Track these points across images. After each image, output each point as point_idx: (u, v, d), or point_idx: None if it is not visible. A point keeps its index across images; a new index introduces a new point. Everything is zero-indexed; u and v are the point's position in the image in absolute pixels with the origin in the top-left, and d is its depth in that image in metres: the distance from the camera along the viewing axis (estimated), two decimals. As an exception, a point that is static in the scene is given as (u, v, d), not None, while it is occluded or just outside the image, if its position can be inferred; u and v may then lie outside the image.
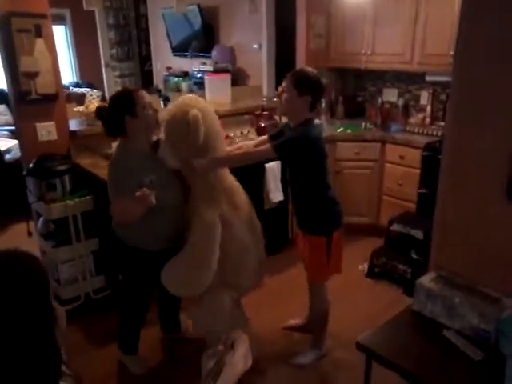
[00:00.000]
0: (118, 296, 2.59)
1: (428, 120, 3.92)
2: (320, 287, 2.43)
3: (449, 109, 1.79)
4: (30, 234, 3.26)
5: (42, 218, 3.01)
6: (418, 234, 3.23)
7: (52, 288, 3.01)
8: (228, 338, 0.83)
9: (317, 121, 2.31)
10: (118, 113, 2.06)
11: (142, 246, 2.19)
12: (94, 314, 2.93)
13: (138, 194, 1.93)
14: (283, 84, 2.21)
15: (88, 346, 2.72)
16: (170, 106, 2.25)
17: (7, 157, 4.78)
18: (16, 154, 4.54)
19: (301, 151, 2.15)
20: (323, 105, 4.29)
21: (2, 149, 4.85)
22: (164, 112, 2.22)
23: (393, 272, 3.29)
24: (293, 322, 2.79)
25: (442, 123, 3.83)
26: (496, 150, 1.56)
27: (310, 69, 2.25)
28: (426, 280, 1.63)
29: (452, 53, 3.31)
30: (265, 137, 2.51)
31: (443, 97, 3.89)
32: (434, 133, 3.70)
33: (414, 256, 3.26)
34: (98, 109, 2.23)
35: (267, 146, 2.23)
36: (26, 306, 0.78)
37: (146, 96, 2.12)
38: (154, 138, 2.23)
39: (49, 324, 0.81)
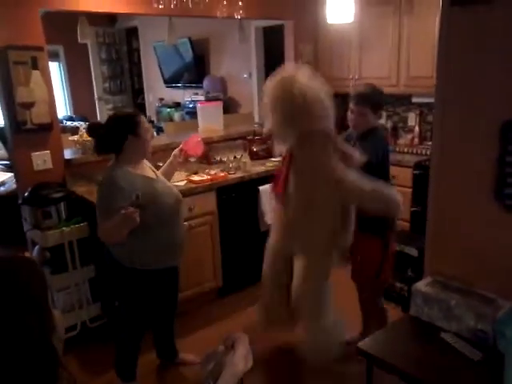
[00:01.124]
0: (114, 323, 2.56)
1: (417, 140, 4.01)
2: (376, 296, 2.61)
3: (434, 124, 1.85)
4: (25, 263, 3.24)
5: (37, 247, 3.00)
6: (413, 252, 3.25)
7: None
8: (228, 339, 0.84)
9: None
10: (122, 131, 2.14)
11: (139, 265, 2.19)
12: (91, 342, 2.89)
13: (123, 212, 1.94)
14: (355, 108, 2.52)
15: (85, 375, 2.67)
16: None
17: (1, 189, 4.79)
18: (10, 186, 4.56)
19: (382, 154, 2.42)
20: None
21: (-3, 181, 4.87)
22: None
23: (390, 290, 3.29)
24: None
25: (431, 143, 3.93)
26: (482, 155, 1.61)
27: (369, 84, 2.60)
28: (422, 285, 1.65)
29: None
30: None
31: (430, 118, 4.00)
32: (423, 152, 3.79)
33: (411, 274, 3.27)
34: (91, 125, 2.30)
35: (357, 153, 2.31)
36: (22, 310, 0.78)
37: (145, 120, 2.24)
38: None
39: (46, 329, 0.82)
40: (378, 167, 2.38)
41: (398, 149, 3.99)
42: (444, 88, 1.77)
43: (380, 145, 2.50)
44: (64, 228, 2.75)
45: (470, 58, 1.68)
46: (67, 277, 2.80)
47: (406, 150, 3.92)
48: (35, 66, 2.81)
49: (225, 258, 3.37)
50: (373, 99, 2.49)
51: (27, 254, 3.22)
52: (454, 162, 1.73)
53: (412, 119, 4.12)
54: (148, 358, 2.68)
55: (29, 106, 2.84)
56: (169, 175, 2.54)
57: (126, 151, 2.17)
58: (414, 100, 4.00)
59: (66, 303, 2.85)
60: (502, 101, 1.56)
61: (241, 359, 0.81)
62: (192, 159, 3.30)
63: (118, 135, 2.16)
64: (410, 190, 3.61)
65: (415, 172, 3.55)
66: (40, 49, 2.84)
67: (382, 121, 4.37)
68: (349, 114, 2.58)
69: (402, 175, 3.67)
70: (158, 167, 2.57)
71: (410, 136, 4.09)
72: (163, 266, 2.25)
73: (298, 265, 2.30)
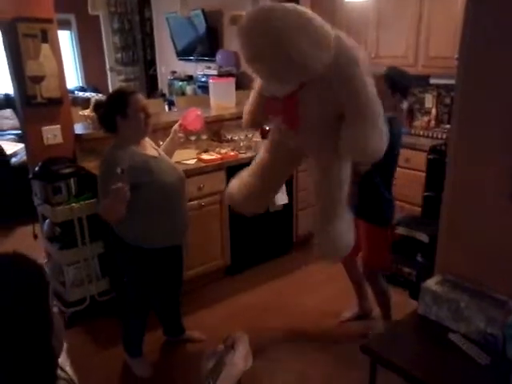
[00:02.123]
0: (121, 299, 2.60)
1: (433, 123, 3.92)
2: (378, 275, 2.62)
3: (454, 111, 1.78)
4: (35, 236, 3.28)
5: (47, 221, 3.02)
6: (423, 237, 3.21)
7: (57, 291, 3.03)
8: (228, 338, 0.83)
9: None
10: (110, 112, 2.15)
11: (141, 243, 2.20)
12: (100, 316, 2.94)
13: (112, 187, 1.92)
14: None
15: (93, 347, 2.73)
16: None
17: (13, 160, 4.81)
18: (22, 157, 4.57)
19: (393, 143, 2.18)
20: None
21: (9, 152, 4.89)
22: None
23: (398, 275, 3.28)
24: (347, 314, 2.90)
25: (448, 126, 3.83)
26: (503, 150, 1.55)
27: (394, 67, 2.46)
28: (432, 283, 1.62)
29: (456, 56, 3.33)
30: None
31: (448, 100, 3.89)
32: (439, 136, 3.70)
33: (420, 259, 3.24)
34: (96, 104, 2.29)
35: None
36: (21, 310, 0.77)
37: (140, 100, 2.18)
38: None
39: (45, 329, 0.80)
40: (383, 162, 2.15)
41: (413, 131, 3.91)
42: (467, 81, 1.69)
43: (392, 136, 2.25)
44: (74, 204, 2.75)
45: (495, 49, 1.59)
46: (76, 252, 2.83)
47: (421, 132, 3.83)
48: (45, 39, 2.77)
49: (233, 237, 3.37)
50: (393, 79, 2.35)
51: (38, 227, 3.26)
52: (472, 160, 1.67)
53: (429, 101, 4.01)
54: (155, 334, 2.72)
55: (39, 80, 2.81)
56: (170, 152, 2.51)
57: (120, 131, 2.17)
58: (432, 81, 3.88)
59: (75, 277, 2.89)
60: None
61: (241, 359, 0.80)
62: (192, 137, 3.27)
63: (106, 116, 2.17)
64: (424, 174, 3.55)
65: (430, 157, 3.47)
66: (50, 21, 2.78)
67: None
68: None
69: (416, 159, 3.60)
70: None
71: (426, 118, 3.99)
72: (166, 245, 2.26)
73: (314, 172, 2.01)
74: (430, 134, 3.76)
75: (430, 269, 3.06)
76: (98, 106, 2.30)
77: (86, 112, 3.31)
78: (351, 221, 2.03)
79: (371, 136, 1.67)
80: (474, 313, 1.47)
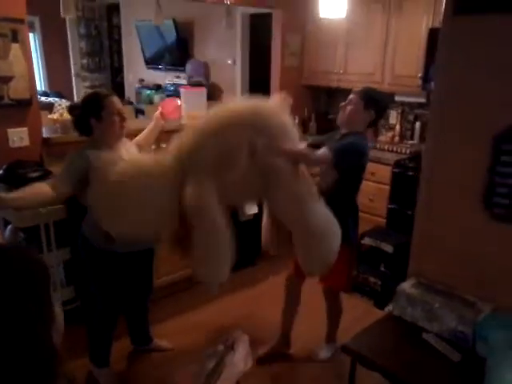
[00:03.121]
0: (87, 308, 2.53)
1: (397, 138, 4.08)
2: (338, 295, 2.57)
3: (429, 124, 1.88)
4: (-4, 243, 3.14)
5: (10, 226, 2.90)
6: (388, 248, 3.33)
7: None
8: (228, 339, 0.83)
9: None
10: (85, 114, 2.14)
11: (106, 246, 2.17)
12: (65, 325, 2.83)
13: None
14: (350, 97, 2.33)
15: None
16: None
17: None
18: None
19: (355, 159, 2.20)
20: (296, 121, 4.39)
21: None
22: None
23: (364, 285, 3.37)
24: (263, 350, 2.62)
25: (411, 141, 4.00)
26: (474, 161, 1.65)
27: (378, 90, 2.44)
28: (407, 286, 1.69)
29: (420, 75, 3.51)
30: None
31: (411, 117, 4.07)
32: (403, 150, 3.86)
33: (383, 269, 3.35)
34: (71, 106, 2.27)
35: (324, 149, 2.12)
36: (22, 301, 0.76)
37: (116, 103, 2.18)
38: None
39: (47, 322, 0.80)
40: (348, 175, 2.21)
41: (378, 146, 4.05)
42: (440, 96, 1.80)
43: (357, 149, 2.19)
44: (41, 209, 2.67)
45: (467, 69, 1.70)
46: (41, 259, 2.73)
47: (386, 147, 3.98)
48: (15, 39, 2.70)
49: (203, 245, 3.36)
50: (370, 95, 2.29)
51: (-1, 234, 3.13)
52: (445, 169, 1.76)
53: (393, 117, 4.18)
54: (122, 343, 2.66)
55: (7, 80, 2.73)
56: (151, 138, 2.63)
57: (95, 134, 2.16)
58: (397, 98, 4.05)
59: (38, 285, 2.79)
60: (495, 113, 1.59)
61: (241, 360, 0.81)
62: (153, 146, 3.28)
63: (81, 118, 2.17)
64: (388, 187, 3.68)
65: (394, 170, 3.61)
66: (21, 21, 2.72)
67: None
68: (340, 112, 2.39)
69: (381, 172, 3.73)
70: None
71: (390, 134, 4.15)
72: (131, 249, 2.23)
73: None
74: (395, 149, 3.92)
75: (392, 278, 3.19)
76: (73, 108, 2.27)
77: (55, 116, 3.24)
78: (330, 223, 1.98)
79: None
80: (446, 313, 1.55)
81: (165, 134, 3.03)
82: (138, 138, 2.58)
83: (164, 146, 3.58)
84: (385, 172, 3.69)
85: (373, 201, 3.83)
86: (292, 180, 1.88)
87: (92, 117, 2.12)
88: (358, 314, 3.01)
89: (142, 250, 2.30)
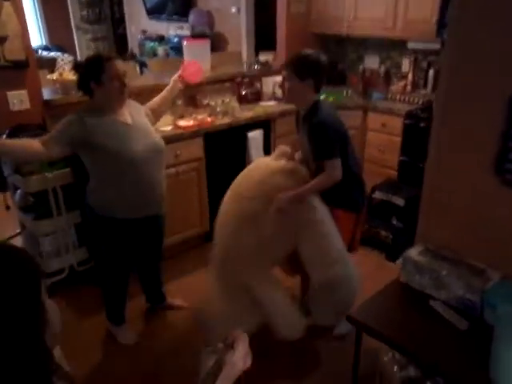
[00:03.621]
0: (99, 268, 2.58)
1: (409, 88, 3.92)
2: None
3: (437, 91, 1.77)
4: (7, 207, 3.17)
5: (19, 191, 2.92)
6: (399, 201, 3.29)
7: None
8: (228, 337, 0.83)
9: (321, 97, 2.31)
10: (86, 76, 2.09)
11: (110, 213, 2.18)
12: (80, 285, 2.92)
13: None
14: (283, 73, 2.20)
15: (75, 317, 2.73)
16: None
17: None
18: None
19: (336, 139, 2.11)
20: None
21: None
22: None
23: (375, 238, 3.36)
24: None
25: (424, 91, 3.85)
26: (487, 122, 1.57)
27: (307, 51, 2.20)
28: (414, 253, 1.66)
29: (435, 19, 3.30)
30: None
31: (425, 64, 3.88)
32: (415, 100, 3.71)
33: (395, 223, 3.34)
34: (76, 64, 2.22)
35: (324, 173, 2.13)
36: (12, 303, 0.73)
37: (117, 67, 2.10)
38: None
39: (39, 325, 0.77)
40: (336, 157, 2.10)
41: (389, 96, 3.91)
42: (452, 53, 1.67)
43: (327, 133, 2.08)
44: (46, 173, 2.66)
45: (483, 26, 1.57)
46: (52, 222, 2.76)
47: (397, 97, 3.83)
48: (6, -3, 2.58)
49: (212, 203, 3.35)
50: (302, 64, 2.12)
51: (8, 198, 3.15)
52: (455, 132, 1.67)
53: (406, 65, 4.00)
54: (138, 302, 2.74)
55: (1, 41, 2.64)
56: (167, 102, 2.54)
57: (95, 97, 2.12)
58: (410, 45, 3.85)
59: (52, 248, 2.83)
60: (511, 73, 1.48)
61: (240, 358, 0.80)
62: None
63: (82, 79, 2.12)
64: (399, 139, 3.58)
65: (406, 122, 3.49)
66: (11, -23, 2.59)
67: (374, 65, 4.23)
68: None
69: (392, 123, 3.62)
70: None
71: (402, 83, 3.98)
72: (137, 216, 2.22)
73: None
74: (407, 99, 3.77)
75: (404, 231, 3.17)
76: (78, 66, 2.24)
77: (54, 76, 3.16)
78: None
79: None
80: (454, 280, 1.53)
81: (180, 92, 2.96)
82: (152, 102, 2.50)
83: (179, 102, 3.52)
84: (396, 123, 3.58)
85: (384, 152, 3.74)
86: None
87: (92, 80, 2.07)
88: (370, 268, 3.02)
89: (149, 216, 2.28)
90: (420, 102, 3.66)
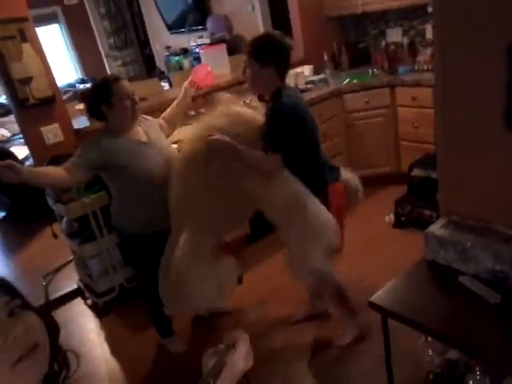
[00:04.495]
0: (142, 285, 2.64)
1: (437, 54, 3.71)
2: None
3: (435, 50, 1.64)
4: (55, 235, 3.35)
5: (65, 218, 3.08)
6: (440, 176, 3.12)
7: (87, 283, 3.12)
8: (229, 338, 0.82)
9: (288, 85, 2.20)
10: (95, 101, 2.14)
11: (134, 231, 2.23)
12: (132, 301, 3.00)
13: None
14: (244, 59, 2.07)
15: (128, 332, 2.82)
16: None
17: (27, 164, 4.87)
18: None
19: (294, 132, 1.96)
20: (325, 58, 4.13)
21: (21, 157, 4.95)
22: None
23: (419, 218, 3.21)
24: (299, 315, 2.58)
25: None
26: (489, 76, 1.44)
27: (269, 33, 2.10)
28: (436, 227, 1.56)
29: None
30: None
31: (450, 27, 3.67)
32: (445, 67, 3.51)
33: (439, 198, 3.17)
34: (82, 93, 2.28)
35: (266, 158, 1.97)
36: None
37: (125, 86, 2.14)
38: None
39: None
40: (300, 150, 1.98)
41: (416, 67, 3.73)
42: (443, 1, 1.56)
43: (284, 114, 1.94)
44: (84, 199, 2.78)
45: None
46: (96, 245, 2.88)
47: (425, 67, 3.65)
48: (24, 39, 2.74)
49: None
50: (262, 49, 1.98)
51: (56, 226, 3.33)
52: (459, 92, 1.56)
53: (430, 31, 3.79)
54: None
55: (27, 81, 2.80)
56: (180, 111, 2.53)
57: (109, 120, 2.17)
58: (431, 9, 3.65)
59: (99, 269, 2.96)
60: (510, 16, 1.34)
61: (241, 359, 0.79)
62: (192, 112, 3.22)
63: (92, 106, 2.17)
64: (432, 110, 3.38)
65: (436, 91, 3.31)
66: (25, 19, 2.75)
67: (397, 38, 4.05)
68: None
69: (423, 95, 3.45)
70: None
71: (429, 51, 3.78)
72: (162, 229, 2.20)
73: None
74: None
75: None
76: (84, 95, 2.30)
77: (82, 106, 3.30)
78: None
79: None
80: (481, 251, 1.41)
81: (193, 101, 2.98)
82: (165, 113, 2.52)
83: (192, 113, 3.58)
84: (426, 94, 3.39)
85: (418, 128, 3.57)
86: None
87: (102, 103, 2.12)
88: (417, 250, 2.88)
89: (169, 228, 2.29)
90: (450, 68, 3.46)
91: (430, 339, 1.55)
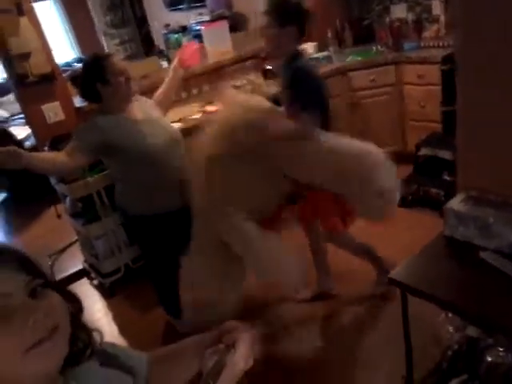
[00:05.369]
0: (147, 265, 2.63)
1: (443, 31, 3.65)
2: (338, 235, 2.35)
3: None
4: (59, 216, 3.33)
5: (68, 198, 3.05)
6: (447, 155, 3.09)
7: (92, 264, 3.10)
8: (229, 338, 0.81)
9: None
10: (90, 80, 2.05)
11: (139, 212, 2.19)
12: (138, 281, 3.00)
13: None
14: (263, 20, 2.08)
15: (137, 312, 2.82)
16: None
17: (27, 144, 4.81)
18: (34, 140, 4.57)
19: (316, 89, 2.01)
20: (329, 35, 4.05)
21: (20, 137, 4.89)
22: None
23: (426, 197, 3.20)
24: (305, 293, 2.61)
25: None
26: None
27: None
28: (455, 203, 1.53)
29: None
30: None
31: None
32: (452, 43, 3.45)
33: (447, 178, 3.14)
34: (72, 76, 2.21)
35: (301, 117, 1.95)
36: None
37: (118, 62, 2.08)
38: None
39: None
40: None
41: (422, 44, 3.66)
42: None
43: (311, 73, 2.03)
44: (88, 178, 2.75)
45: None
46: (101, 225, 2.86)
47: (431, 43, 3.58)
48: (21, 12, 2.65)
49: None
50: (283, 9, 2.00)
51: (59, 207, 3.30)
52: (482, 60, 1.51)
53: (436, 7, 3.71)
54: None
55: (26, 57, 2.73)
56: (171, 92, 2.45)
57: (105, 99, 2.08)
58: (438, -16, 3.57)
59: (105, 249, 2.94)
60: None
61: (241, 359, 0.78)
62: (194, 91, 3.16)
63: (86, 86, 2.08)
64: (439, 87, 3.35)
65: (443, 67, 3.25)
66: (22, -8, 2.66)
67: (402, 14, 3.96)
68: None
69: (429, 73, 3.39)
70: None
71: (435, 27, 3.71)
72: (170, 209, 2.20)
73: None
74: (441, 44, 3.51)
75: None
76: (74, 77, 2.21)
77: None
78: None
79: None
80: (503, 226, 1.39)
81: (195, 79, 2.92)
82: (156, 95, 2.44)
83: (195, 91, 3.53)
84: (433, 71, 3.34)
85: (424, 106, 3.53)
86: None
87: (97, 82, 2.04)
88: (425, 229, 2.85)
89: (180, 208, 2.24)
90: (457, 44, 3.39)
91: (450, 315, 1.54)
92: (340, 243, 2.45)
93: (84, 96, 2.17)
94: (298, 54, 2.06)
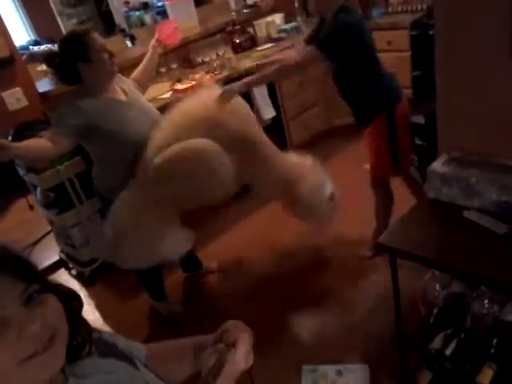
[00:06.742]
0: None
1: (410, -5, 3.62)
2: (381, 185, 2.45)
3: None
4: (31, 207, 3.21)
5: (38, 189, 2.94)
6: (419, 119, 3.11)
7: (70, 254, 3.03)
8: (229, 337, 0.79)
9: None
10: (70, 59, 1.92)
11: (111, 196, 2.11)
12: (117, 269, 2.94)
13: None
14: None
15: (119, 299, 2.79)
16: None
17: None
18: (-4, 130, 4.37)
19: (348, 40, 2.05)
20: (296, 5, 3.97)
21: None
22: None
23: (399, 163, 3.22)
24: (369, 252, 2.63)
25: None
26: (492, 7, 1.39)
27: None
28: (438, 165, 1.54)
29: None
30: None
31: (423, -37, 3.56)
32: (419, 7, 3.44)
33: (419, 142, 3.18)
34: (48, 56, 2.07)
35: (308, 49, 2.15)
36: None
37: (99, 38, 1.96)
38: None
39: None
40: (348, 56, 2.09)
41: (390, 9, 3.63)
42: None
43: (340, 26, 2.04)
44: (59, 166, 2.65)
45: None
46: (76, 213, 2.78)
47: (399, 8, 3.56)
48: (-27, -5, 2.48)
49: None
50: None
51: (30, 199, 3.18)
52: (461, 20, 1.49)
53: (402, -30, 3.68)
54: (176, 274, 2.76)
55: (-20, 41, 2.57)
56: (149, 70, 2.38)
57: (86, 79, 1.96)
58: None
59: (82, 237, 2.87)
60: None
61: (242, 358, 0.77)
62: (162, 69, 3.06)
63: (65, 65, 1.94)
64: (409, 53, 3.35)
65: (412, 33, 3.26)
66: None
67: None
68: None
69: (398, 39, 3.39)
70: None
71: (402, -8, 3.69)
72: None
73: None
74: (409, 8, 3.50)
75: (429, 150, 3.01)
76: (50, 57, 2.05)
77: (45, 67, 3.09)
78: None
79: None
80: (486, 185, 1.41)
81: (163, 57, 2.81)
82: (134, 74, 2.35)
83: (163, 70, 3.42)
84: (402, 37, 3.34)
85: (395, 72, 3.51)
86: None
87: (78, 60, 1.91)
88: (401, 194, 2.89)
89: None
90: (425, 8, 3.38)
91: (436, 273, 1.58)
92: (383, 194, 2.49)
93: (63, 78, 2.02)
94: (342, 10, 2.07)
